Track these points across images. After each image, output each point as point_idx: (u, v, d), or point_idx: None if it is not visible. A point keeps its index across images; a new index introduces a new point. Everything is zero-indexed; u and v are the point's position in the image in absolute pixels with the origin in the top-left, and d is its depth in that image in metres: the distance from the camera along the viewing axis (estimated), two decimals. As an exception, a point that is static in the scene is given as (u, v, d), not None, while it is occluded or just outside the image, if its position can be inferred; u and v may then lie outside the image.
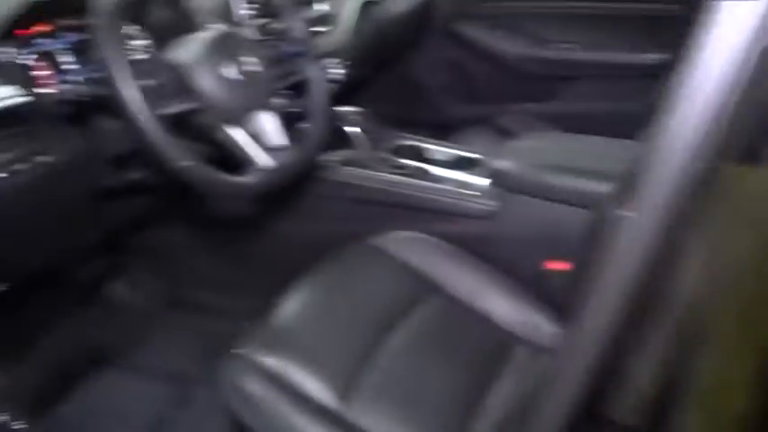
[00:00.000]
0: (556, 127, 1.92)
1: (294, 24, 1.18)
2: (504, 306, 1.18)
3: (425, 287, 1.18)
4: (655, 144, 0.42)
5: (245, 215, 1.49)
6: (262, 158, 1.01)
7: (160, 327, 1.62)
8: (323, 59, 1.21)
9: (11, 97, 0.96)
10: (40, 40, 1.04)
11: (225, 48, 1.01)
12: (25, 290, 1.20)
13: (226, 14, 1.21)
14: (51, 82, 1.03)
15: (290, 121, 1.16)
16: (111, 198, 1.16)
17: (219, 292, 1.62)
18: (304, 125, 1.17)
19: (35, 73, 1.02)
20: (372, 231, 1.28)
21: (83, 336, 1.55)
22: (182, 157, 0.91)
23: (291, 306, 1.10)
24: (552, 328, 1.14)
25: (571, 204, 1.23)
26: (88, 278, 1.59)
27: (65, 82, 1.05)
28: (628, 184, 0.57)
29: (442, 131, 1.80)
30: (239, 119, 1.01)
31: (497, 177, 1.31)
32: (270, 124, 1.05)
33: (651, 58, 1.90)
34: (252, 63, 1.03)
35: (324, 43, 1.43)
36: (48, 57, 1.05)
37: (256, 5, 1.28)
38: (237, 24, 1.19)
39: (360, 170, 1.39)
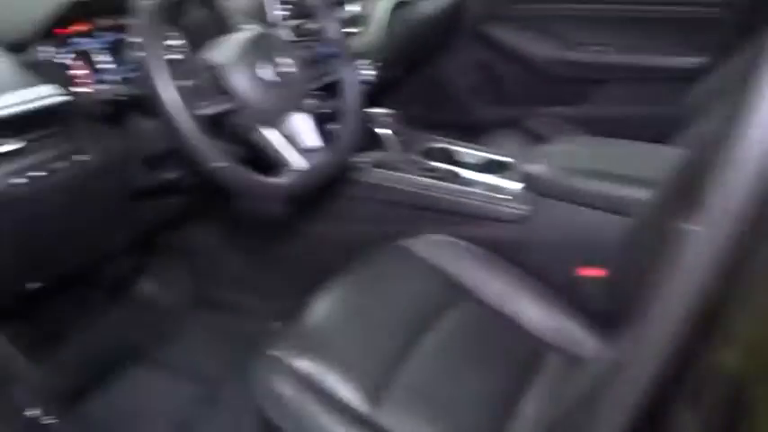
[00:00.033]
0: (585, 130, 1.90)
1: (328, 25, 1.17)
2: (535, 312, 1.16)
3: (456, 291, 1.17)
4: (728, 154, 0.40)
5: (275, 216, 1.50)
6: (296, 160, 1.01)
7: (188, 326, 1.63)
8: (356, 61, 1.21)
9: (50, 96, 0.97)
10: (77, 40, 1.05)
11: (260, 49, 1.01)
12: (57, 288, 1.21)
13: (260, 15, 1.21)
14: (88, 81, 1.04)
15: (321, 121, 1.16)
16: (145, 198, 1.17)
17: (247, 292, 1.63)
18: (336, 126, 1.17)
19: (72, 72, 1.03)
20: (403, 234, 1.27)
21: (111, 334, 1.56)
22: (217, 159, 0.91)
23: (323, 308, 1.09)
24: (585, 336, 1.12)
25: (605, 210, 1.22)
26: (117, 277, 1.61)
27: (101, 81, 1.06)
28: (686, 194, 0.55)
29: (470, 133, 1.79)
30: (274, 120, 1.01)
31: (530, 181, 1.29)
32: (304, 125, 1.05)
33: (688, 61, 1.87)
34: (287, 64, 1.02)
35: (355, 44, 1.42)
36: (84, 56, 1.06)
37: (290, 6, 1.28)
38: (271, 25, 1.20)
39: (391, 172, 1.38)
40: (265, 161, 1.03)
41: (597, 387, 0.64)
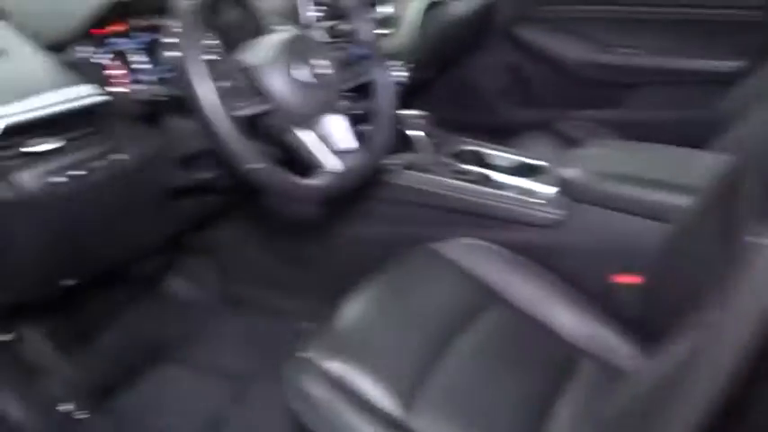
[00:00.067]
0: (617, 134, 1.88)
1: (361, 27, 1.17)
2: (568, 317, 1.15)
3: (488, 296, 1.16)
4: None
5: (308, 217, 1.50)
6: (330, 161, 1.01)
7: (216, 325, 1.64)
8: (388, 62, 1.20)
9: (90, 96, 0.98)
10: (113, 40, 1.06)
11: (296, 50, 1.01)
12: (90, 284, 1.22)
13: (293, 17, 1.21)
14: (124, 81, 1.05)
15: (353, 123, 1.15)
16: (180, 197, 1.18)
17: (276, 291, 1.63)
18: (368, 128, 1.16)
19: (109, 72, 1.04)
20: (434, 237, 1.26)
21: (142, 331, 1.58)
22: (254, 160, 0.92)
23: (354, 310, 1.09)
24: (619, 343, 1.10)
25: (641, 216, 1.20)
26: (147, 275, 1.62)
27: (136, 81, 1.06)
28: (734, 201, 0.54)
29: (499, 135, 1.77)
30: (309, 121, 1.01)
31: (564, 186, 1.28)
32: (339, 127, 1.05)
33: (723, 64, 1.84)
34: (322, 65, 1.02)
35: (387, 45, 1.42)
36: (121, 56, 1.07)
37: (323, 7, 1.28)
38: (305, 27, 1.19)
39: (422, 174, 1.37)
40: (299, 162, 1.03)
41: (647, 403, 0.63)
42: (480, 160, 1.45)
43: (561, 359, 1.08)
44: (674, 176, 1.21)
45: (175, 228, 1.31)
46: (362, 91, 1.20)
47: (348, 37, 1.20)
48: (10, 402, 1.25)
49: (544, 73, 2.07)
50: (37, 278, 1.07)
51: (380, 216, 1.43)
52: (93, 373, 1.45)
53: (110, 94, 1.02)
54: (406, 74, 1.47)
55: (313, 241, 1.54)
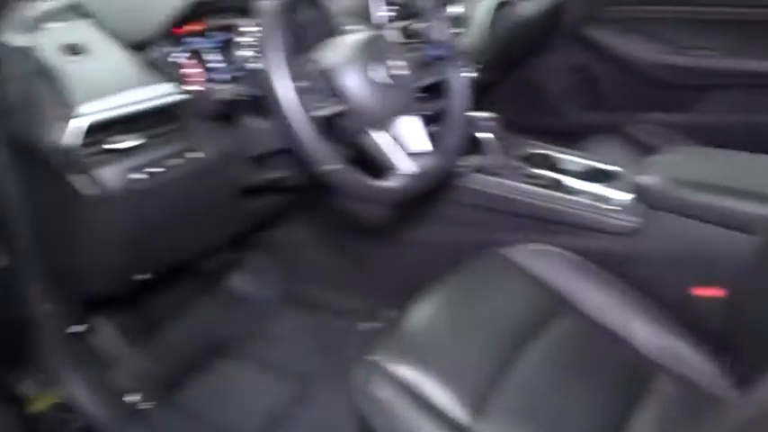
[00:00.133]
0: (689, 139, 1.81)
1: (437, 26, 1.15)
2: (643, 329, 1.11)
3: (559, 304, 1.13)
4: None
5: (379, 219, 1.49)
6: (404, 163, 1.00)
7: (278, 322, 1.65)
8: (465, 62, 1.18)
9: (170, 94, 1.00)
10: (190, 39, 1.07)
11: (373, 50, 1.00)
12: (159, 279, 1.25)
13: (364, 17, 1.21)
14: (200, 80, 1.06)
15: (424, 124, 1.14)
16: (251, 195, 1.19)
17: (338, 291, 1.64)
18: (440, 129, 1.15)
19: (185, 71, 1.06)
20: (501, 241, 1.24)
21: (206, 326, 1.60)
22: (330, 161, 0.91)
23: (423, 314, 1.08)
24: (698, 358, 1.06)
25: (723, 226, 1.15)
26: (213, 271, 1.65)
27: (211, 80, 1.08)
28: None
29: (566, 139, 1.73)
30: (384, 123, 1.00)
31: (640, 192, 1.23)
32: (413, 129, 1.03)
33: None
34: (399, 66, 1.01)
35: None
36: (197, 55, 1.08)
37: (396, 7, 1.27)
38: (377, 27, 1.19)
39: (492, 178, 1.35)
40: (371, 164, 1.02)
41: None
42: (551, 164, 1.42)
43: (636, 372, 1.04)
44: (757, 185, 1.16)
45: (243, 226, 1.33)
46: (433, 91, 1.18)
47: (422, 37, 1.18)
48: (81, 391, 1.29)
49: (613, 75, 2.01)
50: (113, 272, 1.09)
51: (448, 219, 1.42)
52: (158, 365, 1.48)
53: (188, 92, 1.03)
54: (474, 75, 1.44)
55: (378, 242, 1.54)
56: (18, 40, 0.96)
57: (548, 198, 1.31)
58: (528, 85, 2.11)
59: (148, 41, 1.03)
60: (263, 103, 0.94)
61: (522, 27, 1.75)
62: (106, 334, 1.42)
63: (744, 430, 0.59)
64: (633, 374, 1.04)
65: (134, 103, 0.96)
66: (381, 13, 1.19)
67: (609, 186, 1.33)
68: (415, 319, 1.07)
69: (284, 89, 0.87)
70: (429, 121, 1.16)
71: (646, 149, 1.63)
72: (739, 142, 1.33)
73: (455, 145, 1.11)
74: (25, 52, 0.95)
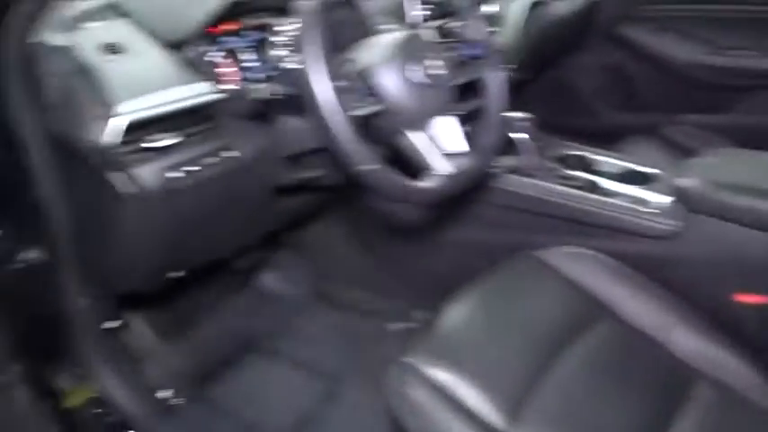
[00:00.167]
0: (726, 140, 1.77)
1: (474, 25, 1.14)
2: (682, 335, 1.08)
3: (595, 308, 1.11)
4: None
5: (411, 219, 1.49)
6: (440, 164, 0.99)
7: (308, 321, 1.65)
8: (502, 62, 1.16)
9: (207, 93, 1.00)
10: (225, 38, 1.08)
11: (410, 50, 0.99)
12: (191, 277, 1.25)
13: (399, 16, 1.20)
14: (235, 79, 1.06)
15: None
16: (284, 195, 1.19)
17: (368, 291, 1.63)
18: (476, 129, 1.13)
19: (220, 70, 1.06)
20: (536, 244, 1.22)
21: (237, 323, 1.61)
22: (368, 161, 0.90)
23: (458, 316, 1.07)
24: (741, 366, 1.03)
25: (766, 230, 1.12)
26: (244, 269, 1.65)
27: (245, 79, 1.08)
28: None
29: (599, 140, 1.70)
30: (421, 123, 0.99)
31: (680, 195, 1.21)
32: (450, 129, 1.02)
33: None
34: (436, 66, 1.00)
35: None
36: (232, 54, 1.08)
37: (430, 6, 1.26)
38: (412, 26, 1.18)
39: (526, 179, 1.33)
40: (407, 164, 1.02)
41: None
42: (586, 165, 1.39)
43: (675, 379, 1.02)
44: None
45: (276, 224, 1.33)
46: (468, 90, 1.17)
47: (457, 36, 1.17)
48: (115, 386, 1.30)
49: (648, 75, 1.98)
50: (149, 270, 1.10)
51: (481, 220, 1.40)
52: (190, 362, 1.49)
53: (224, 91, 1.03)
54: (508, 75, 1.43)
55: (410, 243, 1.53)
56: (57, 39, 0.97)
57: (583, 200, 1.28)
58: (561, 84, 2.09)
59: (185, 41, 1.04)
60: (299, 103, 0.94)
61: (555, 26, 1.73)
62: (139, 330, 1.43)
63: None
64: (672, 381, 1.02)
65: (172, 101, 0.97)
66: (416, 12, 1.18)
67: (646, 189, 1.30)
68: (450, 321, 1.06)
69: (323, 89, 0.86)
70: (463, 120, 1.15)
71: (683, 151, 1.60)
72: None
73: (492, 145, 1.10)
74: (65, 51, 0.96)
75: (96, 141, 0.91)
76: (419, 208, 1.43)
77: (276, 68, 1.05)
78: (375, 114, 0.97)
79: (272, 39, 1.05)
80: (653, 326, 1.09)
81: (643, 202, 1.27)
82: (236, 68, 1.08)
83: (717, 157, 1.31)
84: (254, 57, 1.10)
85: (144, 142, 0.95)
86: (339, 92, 0.89)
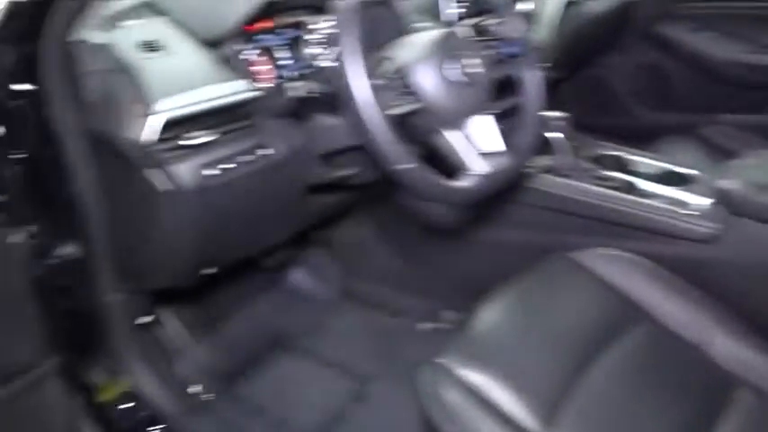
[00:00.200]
0: (766, 142, 1.73)
1: (512, 23, 1.12)
2: (721, 340, 1.06)
3: (632, 312, 1.09)
4: None
5: (446, 219, 1.47)
6: (477, 163, 0.97)
7: (337, 319, 1.65)
8: (540, 60, 1.15)
9: (244, 91, 1.00)
10: (261, 36, 1.08)
11: (447, 48, 0.98)
12: (222, 274, 1.26)
13: (434, 14, 1.19)
14: (270, 77, 1.07)
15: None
16: (317, 193, 1.18)
17: (397, 290, 1.62)
18: (513, 128, 1.12)
19: (256, 68, 1.06)
20: (571, 245, 1.20)
21: (266, 321, 1.62)
22: (404, 160, 0.90)
23: (492, 318, 1.05)
24: (783, 373, 1.00)
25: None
26: (274, 266, 1.66)
27: (280, 77, 1.08)
28: None
29: (635, 140, 1.67)
30: (458, 122, 0.97)
31: (721, 197, 1.18)
32: (487, 128, 1.01)
33: None
34: (474, 64, 0.99)
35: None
36: (267, 52, 1.08)
37: (465, 4, 1.24)
38: (447, 24, 1.17)
39: (561, 179, 1.31)
40: (443, 163, 1.01)
41: None
42: (622, 166, 1.37)
43: (715, 386, 1.00)
44: None
45: (308, 222, 1.33)
46: (504, 89, 1.15)
47: (493, 34, 1.15)
48: (148, 381, 1.31)
49: (686, 74, 1.94)
50: (183, 266, 1.10)
51: (514, 220, 1.39)
52: (220, 358, 1.50)
53: (260, 89, 1.04)
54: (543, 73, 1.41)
55: (441, 243, 1.52)
56: (96, 37, 0.98)
57: (620, 201, 1.26)
58: (597, 83, 2.06)
59: (221, 39, 1.04)
60: (334, 101, 0.93)
61: (591, 24, 1.71)
62: (171, 326, 1.44)
63: None
64: (711, 386, 1.00)
65: (208, 99, 0.97)
66: (451, 10, 1.17)
67: (685, 190, 1.28)
68: (484, 322, 1.05)
69: (360, 87, 0.86)
70: (498, 118, 1.13)
71: (722, 152, 1.57)
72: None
73: (529, 144, 1.08)
74: (103, 49, 0.96)
75: (134, 139, 0.92)
76: (455, 208, 1.42)
77: (310, 66, 1.05)
78: (412, 113, 0.96)
79: (307, 37, 1.05)
80: (691, 330, 1.06)
81: (682, 203, 1.25)
82: (271, 66, 1.08)
83: (758, 158, 1.28)
84: (287, 55, 1.10)
85: (181, 140, 0.95)
86: (376, 90, 0.88)
